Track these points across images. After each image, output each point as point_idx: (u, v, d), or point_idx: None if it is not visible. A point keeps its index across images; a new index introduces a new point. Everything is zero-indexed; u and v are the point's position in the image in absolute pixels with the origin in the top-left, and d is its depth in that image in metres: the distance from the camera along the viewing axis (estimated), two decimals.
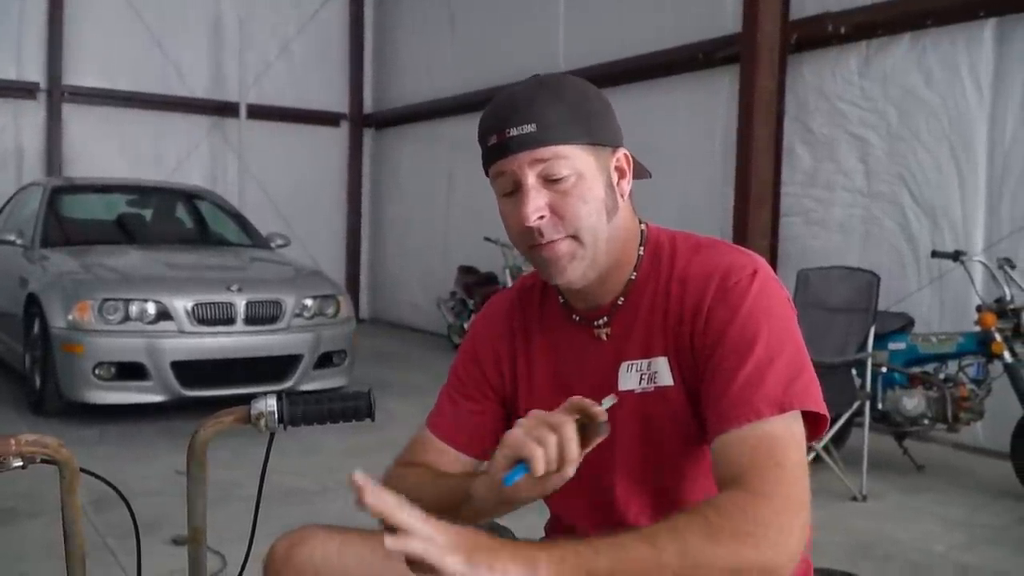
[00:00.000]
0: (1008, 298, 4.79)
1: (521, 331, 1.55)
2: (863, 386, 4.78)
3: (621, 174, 1.41)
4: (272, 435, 1.47)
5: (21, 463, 1.28)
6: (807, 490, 1.21)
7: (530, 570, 1.05)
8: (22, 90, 10.45)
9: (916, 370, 5.04)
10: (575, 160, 1.33)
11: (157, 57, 11.01)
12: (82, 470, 1.40)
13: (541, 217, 1.33)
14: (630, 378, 1.41)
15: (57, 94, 10.58)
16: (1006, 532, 4.17)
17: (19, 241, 6.83)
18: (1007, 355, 4.69)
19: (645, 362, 1.41)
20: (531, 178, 1.32)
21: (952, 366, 5.02)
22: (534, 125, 1.31)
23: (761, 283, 1.34)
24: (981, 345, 4.83)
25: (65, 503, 1.39)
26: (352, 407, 1.48)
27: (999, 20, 5.66)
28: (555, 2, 9.20)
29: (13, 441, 1.28)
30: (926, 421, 4.91)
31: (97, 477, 1.48)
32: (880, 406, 4.97)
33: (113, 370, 5.78)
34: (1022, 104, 5.55)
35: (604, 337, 1.45)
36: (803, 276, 5.25)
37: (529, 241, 1.36)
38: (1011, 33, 5.61)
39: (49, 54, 10.54)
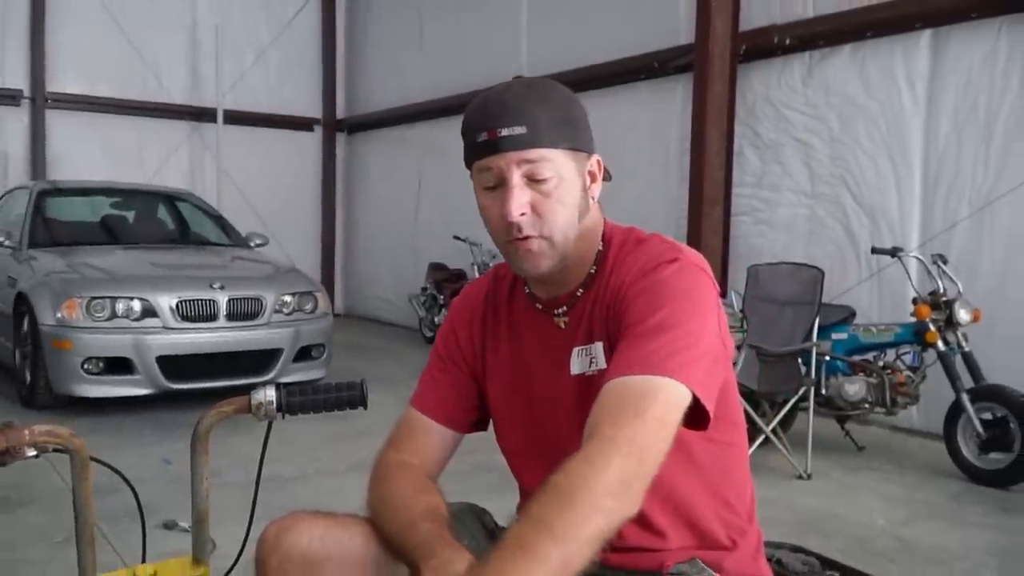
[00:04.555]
0: (941, 291, 4.88)
1: (492, 315, 1.59)
2: (808, 373, 4.87)
3: (593, 178, 1.44)
4: (270, 423, 1.49)
5: (35, 452, 1.29)
6: (659, 446, 1.17)
7: None
8: (6, 97, 10.33)
9: (857, 358, 5.13)
10: (558, 163, 1.35)
11: (137, 64, 10.90)
12: (92, 459, 1.41)
13: (523, 213, 1.35)
14: (579, 362, 1.45)
15: (40, 100, 10.47)
16: (941, 508, 4.26)
17: (7, 242, 6.75)
18: (940, 344, 4.80)
19: (589, 347, 1.44)
20: (516, 176, 1.35)
21: (890, 354, 5.13)
22: (524, 127, 1.32)
23: (679, 268, 1.36)
24: (917, 335, 4.93)
25: (76, 490, 1.40)
26: (346, 396, 1.50)
27: (934, 31, 5.76)
28: (518, 13, 9.23)
29: (27, 432, 1.28)
30: (866, 405, 5.00)
31: (107, 465, 1.49)
32: (824, 392, 5.06)
33: (101, 365, 5.73)
34: (955, 110, 5.65)
35: (563, 325, 1.48)
36: (753, 272, 5.33)
37: (508, 235, 1.38)
38: (945, 43, 5.71)
39: (32, 62, 10.42)
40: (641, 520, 1.42)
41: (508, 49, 9.26)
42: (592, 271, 1.46)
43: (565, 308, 1.48)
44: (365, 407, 1.50)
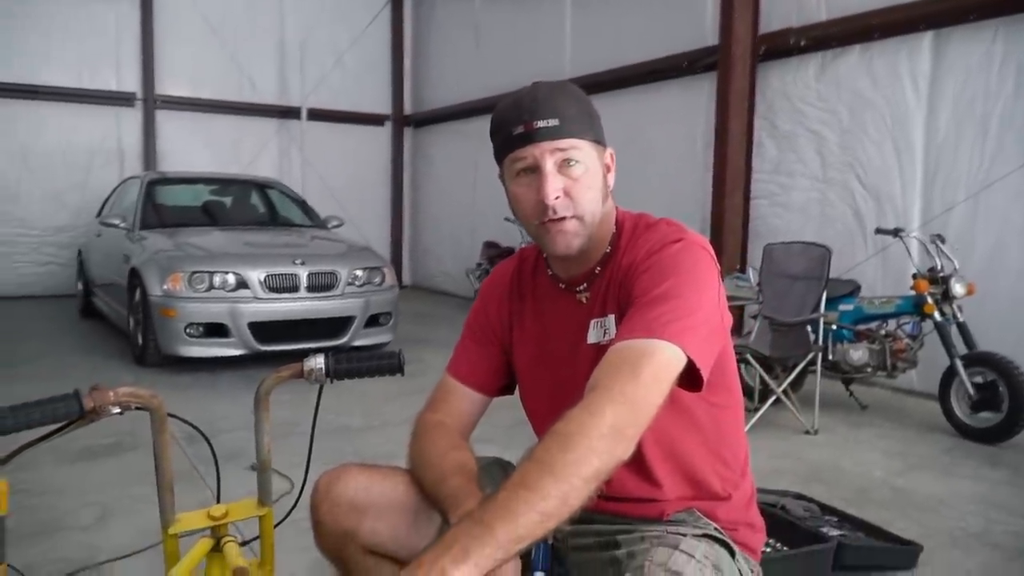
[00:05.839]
0: (939, 268, 4.76)
1: (518, 293, 1.59)
2: (816, 340, 4.78)
3: (608, 169, 1.43)
4: (321, 386, 1.50)
5: (119, 410, 1.31)
6: (651, 400, 1.16)
7: None
8: (122, 99, 10.50)
9: (862, 327, 5.03)
10: (585, 152, 1.35)
11: (233, 70, 11.02)
12: (169, 415, 1.43)
13: (557, 197, 1.34)
14: (595, 333, 1.44)
15: (151, 102, 10.63)
16: (934, 460, 4.18)
17: (122, 224, 6.89)
18: (937, 315, 4.68)
19: (603, 319, 1.43)
20: (550, 163, 1.34)
21: (891, 324, 5.01)
22: (558, 120, 1.32)
23: (683, 247, 1.34)
24: (916, 307, 4.82)
25: (156, 442, 1.43)
26: (386, 364, 1.51)
27: (936, 33, 5.56)
28: (562, 19, 9.11)
29: (111, 393, 1.30)
30: (869, 369, 4.91)
31: (182, 420, 1.52)
32: (831, 357, 4.98)
33: (201, 329, 5.84)
34: (954, 104, 5.46)
35: (584, 300, 1.47)
36: (768, 250, 5.23)
37: (543, 217, 1.36)
38: (946, 44, 5.51)
39: (143, 69, 10.57)
40: (643, 473, 1.42)
41: (553, 51, 9.16)
42: (607, 251, 1.45)
43: (585, 285, 1.47)
44: (402, 374, 1.50)
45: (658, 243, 1.36)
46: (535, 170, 1.35)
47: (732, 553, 1.33)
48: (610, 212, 1.45)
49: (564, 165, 1.34)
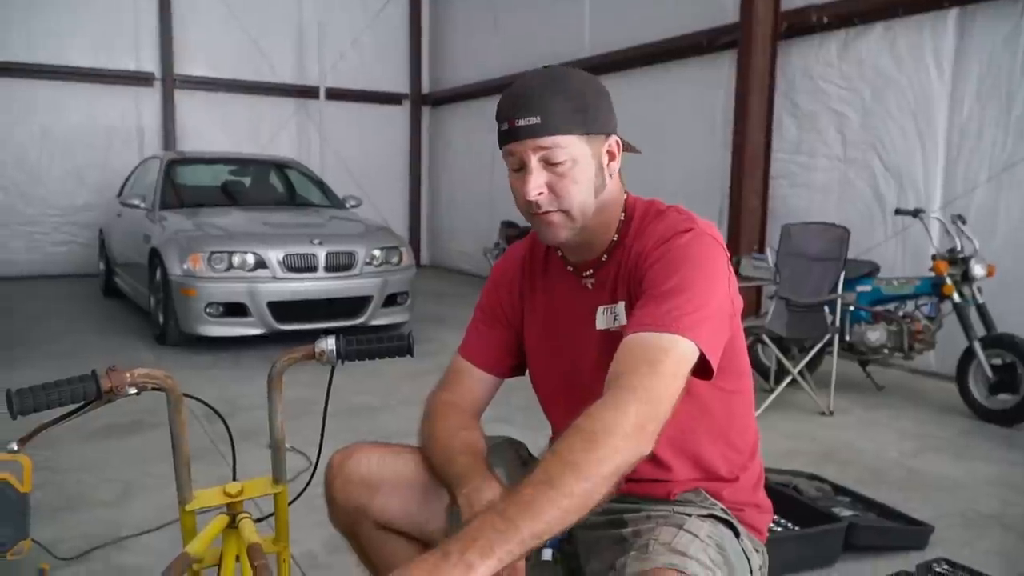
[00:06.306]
0: (959, 248, 4.72)
1: (528, 275, 1.60)
2: (833, 322, 4.76)
3: (611, 157, 1.42)
4: (333, 367, 1.52)
5: (135, 391, 1.33)
6: (670, 395, 1.19)
7: (459, 572, 0.98)
8: (141, 79, 10.55)
9: (879, 308, 5.00)
10: (571, 148, 1.34)
11: (251, 50, 11.03)
12: (184, 395, 1.46)
13: (540, 193, 1.36)
14: (603, 319, 1.45)
15: (170, 82, 10.67)
16: (949, 442, 4.17)
17: (142, 204, 6.95)
18: (956, 296, 4.65)
19: (613, 306, 1.44)
20: (533, 161, 1.35)
21: (910, 305, 4.97)
22: (538, 117, 1.32)
23: (693, 238, 1.35)
24: (935, 288, 4.79)
25: (172, 422, 1.46)
26: (396, 346, 1.53)
27: (961, 10, 5.47)
28: None
29: (128, 374, 1.32)
30: (886, 351, 4.89)
31: (198, 400, 1.55)
32: (848, 338, 4.95)
33: (221, 309, 5.90)
34: (979, 83, 5.38)
35: (590, 286, 1.49)
36: (786, 230, 5.20)
37: (530, 210, 1.39)
38: (971, 21, 5.42)
39: (162, 49, 10.61)
40: (652, 456, 1.43)
41: (572, 30, 9.10)
42: (614, 239, 1.46)
43: (592, 271, 1.48)
44: (412, 355, 1.52)
45: (668, 232, 1.37)
46: (522, 166, 1.36)
47: (737, 533, 1.35)
48: (614, 200, 1.45)
49: (548, 161, 1.34)
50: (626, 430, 1.12)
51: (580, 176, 1.36)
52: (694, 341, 1.23)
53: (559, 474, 1.08)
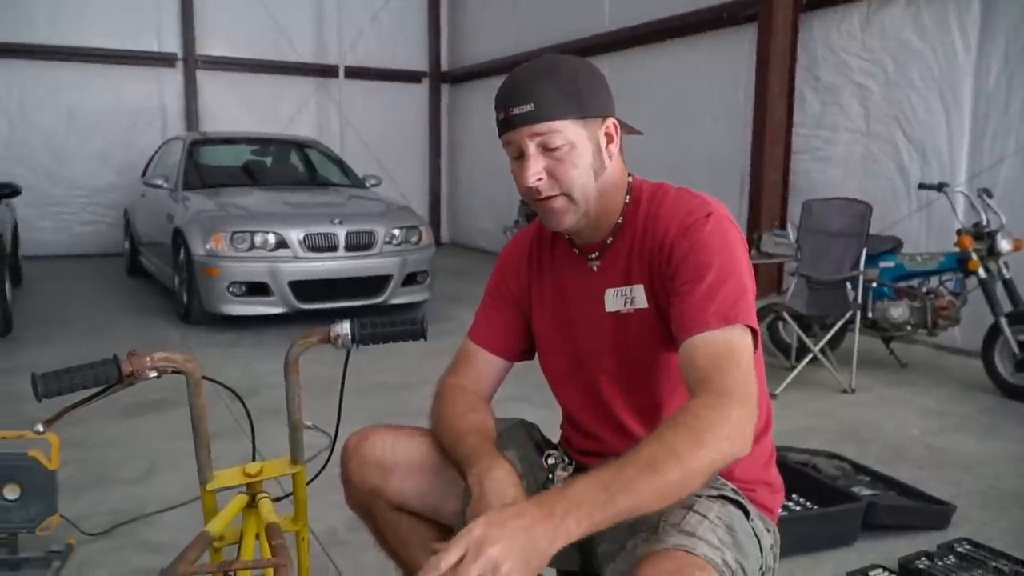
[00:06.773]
0: (985, 223, 4.65)
1: (537, 259, 1.61)
2: (855, 298, 4.72)
3: (609, 139, 1.42)
4: (348, 351, 1.54)
5: (155, 374, 1.36)
6: (756, 387, 1.25)
7: (560, 532, 1.05)
8: (163, 60, 10.61)
9: (903, 284, 4.96)
10: (567, 132, 1.35)
11: (271, 30, 11.04)
12: (204, 377, 1.49)
13: (540, 179, 1.37)
14: (614, 301, 1.46)
15: (192, 62, 10.72)
16: (972, 420, 4.13)
17: (166, 185, 7.02)
18: (982, 271, 4.59)
19: (626, 288, 1.45)
20: (531, 147, 1.36)
21: (934, 281, 4.93)
22: (532, 105, 1.33)
23: (715, 222, 1.36)
24: (959, 263, 4.73)
25: (192, 403, 1.48)
26: (410, 330, 1.54)
27: None
28: None
29: (148, 358, 1.35)
30: (909, 327, 4.85)
31: (217, 383, 1.58)
32: (870, 315, 4.92)
33: (243, 288, 5.95)
34: (1005, 54, 5.28)
35: (595, 268, 1.49)
36: (807, 206, 5.15)
37: (532, 196, 1.40)
38: None
39: (183, 29, 10.65)
40: None
41: (592, 4, 9.00)
42: (619, 221, 1.46)
43: (597, 254, 1.49)
44: (425, 339, 1.54)
45: (689, 218, 1.38)
46: (521, 153, 1.38)
47: (747, 513, 1.36)
48: (616, 183, 1.45)
49: (546, 146, 1.35)
50: (728, 432, 1.17)
51: (578, 160, 1.37)
52: (748, 325, 1.30)
53: (663, 461, 1.12)
